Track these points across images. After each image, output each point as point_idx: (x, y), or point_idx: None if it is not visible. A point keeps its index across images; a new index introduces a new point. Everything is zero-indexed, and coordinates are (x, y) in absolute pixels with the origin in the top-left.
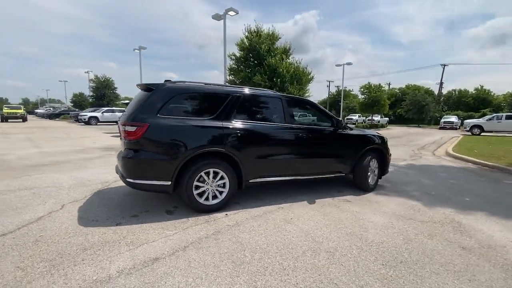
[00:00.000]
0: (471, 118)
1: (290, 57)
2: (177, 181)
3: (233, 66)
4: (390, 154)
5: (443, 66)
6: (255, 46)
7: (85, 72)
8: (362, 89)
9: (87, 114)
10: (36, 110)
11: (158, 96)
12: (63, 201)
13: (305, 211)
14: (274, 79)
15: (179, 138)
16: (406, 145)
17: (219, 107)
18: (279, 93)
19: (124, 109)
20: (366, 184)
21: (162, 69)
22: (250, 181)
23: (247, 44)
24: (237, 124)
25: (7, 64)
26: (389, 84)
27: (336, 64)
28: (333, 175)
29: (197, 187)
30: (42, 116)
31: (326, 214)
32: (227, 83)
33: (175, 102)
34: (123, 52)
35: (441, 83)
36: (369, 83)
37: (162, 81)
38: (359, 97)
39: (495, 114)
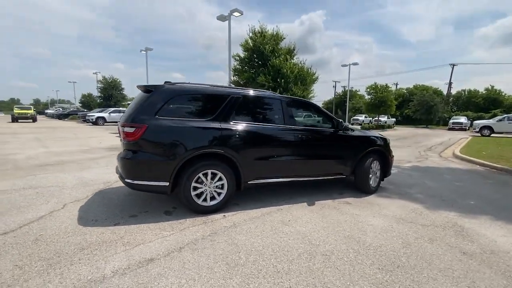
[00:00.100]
0: (481, 119)
1: (294, 58)
2: (175, 182)
3: (237, 67)
4: (393, 156)
5: (452, 66)
6: (259, 46)
7: (93, 73)
8: (368, 90)
9: (94, 114)
10: (46, 111)
11: (156, 98)
12: (65, 200)
13: (303, 213)
14: (278, 80)
15: (177, 139)
16: (412, 146)
17: (217, 108)
18: (278, 94)
19: None
20: (367, 186)
21: (169, 69)
22: (248, 182)
23: (251, 44)
24: (236, 125)
25: (19, 65)
26: (396, 84)
27: (342, 64)
28: (334, 177)
29: (195, 188)
30: (52, 116)
31: (325, 216)
32: (231, 84)
33: (174, 103)
34: (131, 53)
35: (450, 83)
36: (375, 83)
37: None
38: (366, 97)
39: (506, 115)
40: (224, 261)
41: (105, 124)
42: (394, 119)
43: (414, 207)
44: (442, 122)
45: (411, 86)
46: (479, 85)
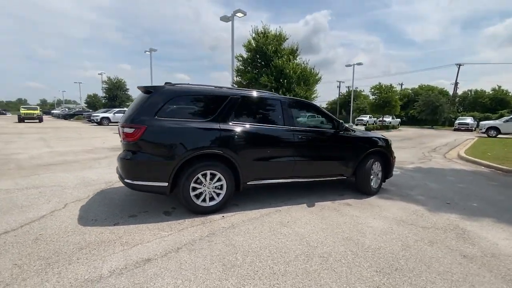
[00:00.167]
0: (488, 120)
1: (297, 58)
2: (175, 183)
3: (240, 67)
4: (395, 157)
5: (458, 65)
6: (262, 47)
7: (99, 74)
8: (372, 90)
9: (99, 114)
10: (52, 111)
11: (156, 99)
12: (66, 200)
13: (303, 214)
14: (281, 80)
15: (176, 140)
16: (416, 147)
17: (217, 109)
18: (277, 95)
19: None
20: (368, 188)
21: (175, 70)
22: (248, 183)
23: (254, 45)
24: (235, 126)
25: (27, 66)
26: (401, 85)
27: (346, 64)
28: (334, 178)
29: (194, 189)
30: (58, 116)
31: (325, 218)
32: (234, 85)
33: (173, 104)
34: (137, 54)
35: (456, 83)
36: (379, 83)
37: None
38: (370, 97)
39: None
40: (221, 262)
41: (110, 124)
42: (399, 120)
43: (415, 209)
44: (448, 123)
45: (417, 86)
46: (486, 85)
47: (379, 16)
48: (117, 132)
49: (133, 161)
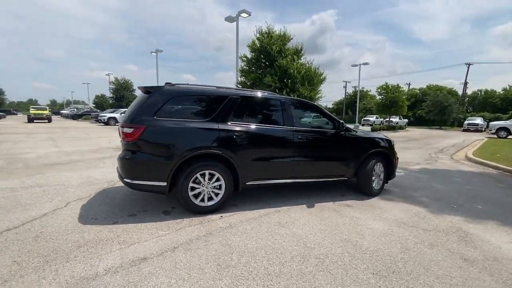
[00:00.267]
0: (498, 120)
1: (302, 58)
2: (173, 182)
3: (244, 67)
4: (397, 158)
5: (467, 65)
6: (266, 47)
7: (106, 75)
8: (379, 90)
9: (106, 115)
10: (61, 111)
11: (155, 99)
12: (69, 199)
13: (302, 215)
14: (285, 80)
15: (174, 139)
16: (423, 148)
17: (216, 109)
18: (277, 95)
19: None
20: (370, 189)
21: (181, 71)
22: (247, 183)
23: (258, 45)
24: (234, 126)
25: (38, 67)
26: (409, 84)
27: (352, 64)
28: (335, 179)
29: (193, 189)
30: (66, 116)
31: (324, 219)
32: (238, 85)
33: (173, 105)
34: (143, 55)
35: (466, 83)
36: (386, 83)
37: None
38: (377, 98)
39: None
40: (216, 262)
41: (116, 124)
42: (406, 120)
43: (417, 210)
44: (457, 123)
45: (424, 86)
46: (497, 84)
47: (385, 16)
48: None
49: (132, 161)
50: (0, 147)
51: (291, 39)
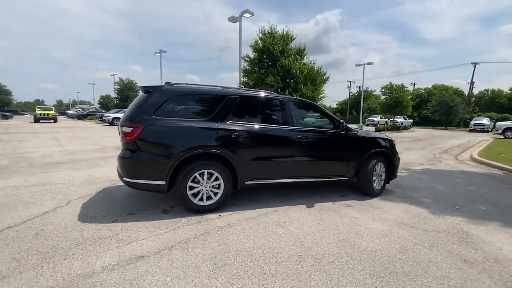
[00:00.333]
0: (505, 120)
1: (304, 58)
2: (172, 181)
3: (247, 67)
4: (399, 158)
5: (474, 64)
6: (269, 47)
7: (111, 75)
8: (383, 90)
9: (111, 115)
10: (67, 111)
11: (154, 98)
12: (70, 197)
13: (301, 215)
14: (287, 80)
15: (173, 139)
16: (427, 148)
17: (215, 108)
18: (276, 94)
19: None
20: (370, 189)
21: (185, 71)
22: (246, 183)
23: (260, 45)
24: (232, 125)
25: (45, 68)
26: (414, 84)
27: (356, 64)
28: (335, 179)
29: (192, 188)
30: (72, 116)
31: (323, 219)
32: (241, 85)
33: (172, 104)
34: (148, 55)
35: (472, 83)
36: (390, 83)
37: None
38: (381, 98)
39: None
40: (212, 261)
41: None
42: (411, 120)
43: (418, 211)
44: (463, 124)
45: (430, 86)
46: (504, 84)
47: (391, 15)
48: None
49: (131, 160)
50: (6, 146)
51: (294, 39)
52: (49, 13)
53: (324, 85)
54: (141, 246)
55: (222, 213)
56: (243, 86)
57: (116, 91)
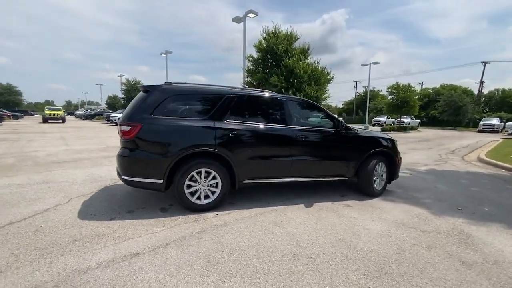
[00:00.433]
0: None
1: (308, 58)
2: (170, 180)
3: (251, 67)
4: (400, 158)
5: (483, 63)
6: (273, 47)
7: (118, 76)
8: (389, 90)
9: (117, 115)
10: (75, 112)
11: (153, 97)
12: (71, 195)
13: (298, 214)
14: (291, 80)
15: (170, 138)
16: (434, 148)
17: (213, 107)
18: (275, 94)
19: None
20: (371, 189)
21: (191, 72)
22: (244, 182)
23: (264, 45)
24: (230, 124)
25: (54, 69)
26: (421, 84)
27: (362, 63)
28: (335, 179)
29: (189, 186)
30: (80, 117)
31: (320, 219)
32: (245, 85)
33: (170, 103)
34: (154, 56)
35: (482, 82)
36: (397, 83)
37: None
38: (388, 97)
39: None
40: (206, 259)
41: None
42: (418, 121)
43: (418, 212)
44: (472, 124)
45: (438, 86)
46: None
47: (399, 14)
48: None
49: (129, 158)
50: (14, 146)
51: (298, 38)
52: (58, 14)
53: (329, 85)
54: (136, 244)
55: (219, 212)
56: (246, 86)
57: (123, 91)
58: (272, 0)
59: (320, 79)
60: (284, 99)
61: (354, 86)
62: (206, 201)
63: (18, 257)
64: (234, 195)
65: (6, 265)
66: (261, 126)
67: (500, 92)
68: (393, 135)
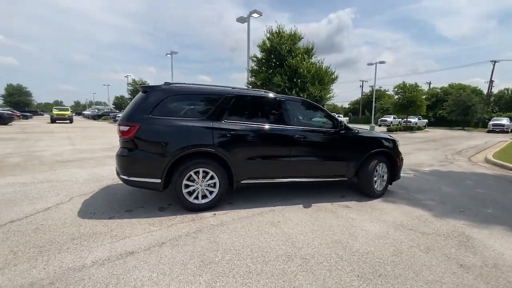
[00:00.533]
0: None
1: (312, 57)
2: (168, 180)
3: (255, 67)
4: (402, 159)
5: (493, 62)
6: (276, 47)
7: (125, 76)
8: (396, 89)
9: None
10: (83, 112)
11: (152, 98)
12: (73, 194)
13: (296, 214)
14: (295, 80)
15: (168, 137)
16: (440, 149)
17: (211, 108)
18: (273, 93)
19: None
20: (371, 190)
21: (197, 72)
22: (242, 182)
23: (268, 45)
24: (228, 124)
25: (63, 70)
26: (429, 83)
27: (368, 63)
28: (334, 179)
29: (187, 186)
30: (88, 117)
31: (318, 220)
32: (249, 85)
33: (169, 103)
34: (161, 57)
35: (491, 81)
36: (403, 82)
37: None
38: (394, 97)
39: None
40: (200, 258)
41: None
42: (425, 121)
43: (419, 213)
44: (481, 124)
45: (446, 85)
46: None
47: (406, 12)
48: None
49: (128, 158)
50: (21, 145)
51: (302, 38)
52: (66, 15)
53: (333, 84)
54: (133, 242)
55: (217, 211)
56: (250, 86)
57: (129, 92)
58: (278, 0)
59: (324, 78)
60: (282, 99)
61: (361, 86)
62: (204, 200)
63: (17, 254)
64: (233, 195)
65: (4, 262)
66: (259, 126)
67: (510, 92)
68: (399, 135)
